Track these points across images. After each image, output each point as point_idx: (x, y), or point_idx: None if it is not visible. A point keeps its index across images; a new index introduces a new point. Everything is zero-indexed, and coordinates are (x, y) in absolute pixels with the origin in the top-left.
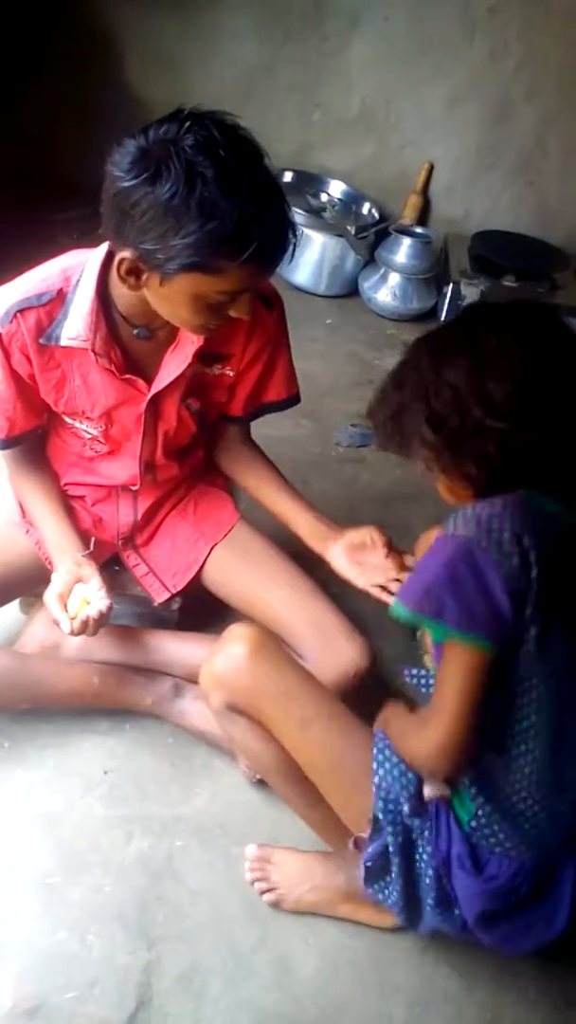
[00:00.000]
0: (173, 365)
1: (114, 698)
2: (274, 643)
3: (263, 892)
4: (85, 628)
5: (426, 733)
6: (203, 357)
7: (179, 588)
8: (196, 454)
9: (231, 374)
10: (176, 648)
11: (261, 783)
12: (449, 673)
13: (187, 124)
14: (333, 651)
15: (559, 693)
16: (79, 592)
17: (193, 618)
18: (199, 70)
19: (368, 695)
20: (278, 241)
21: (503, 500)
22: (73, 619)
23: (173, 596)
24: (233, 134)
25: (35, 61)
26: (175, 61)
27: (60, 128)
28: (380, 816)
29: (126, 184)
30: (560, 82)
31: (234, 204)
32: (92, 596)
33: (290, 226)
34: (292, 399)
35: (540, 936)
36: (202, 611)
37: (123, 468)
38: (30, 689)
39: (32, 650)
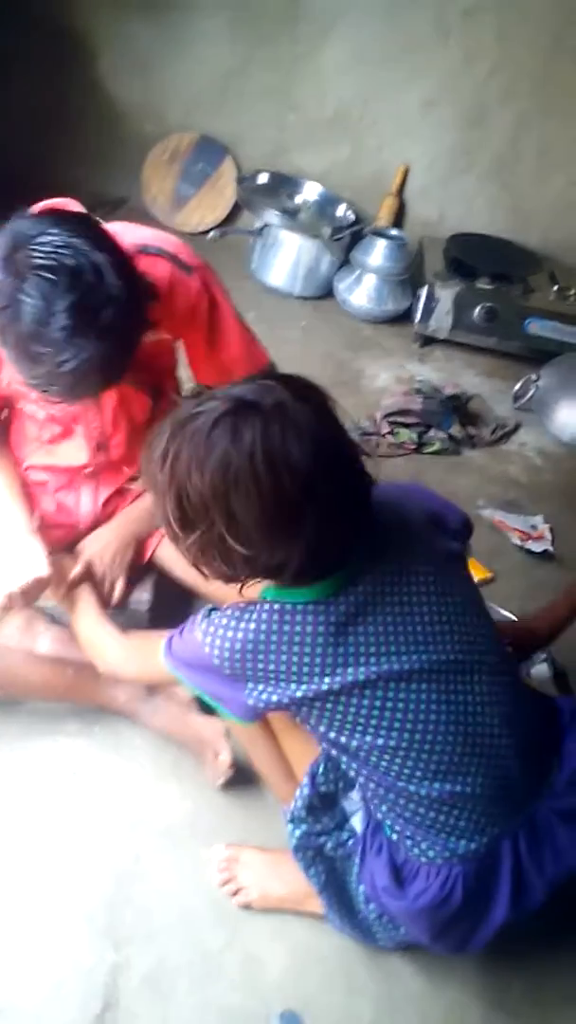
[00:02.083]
0: None
1: (87, 693)
2: None
3: (233, 894)
4: (11, 604)
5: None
6: None
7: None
8: None
9: (166, 337)
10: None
11: (229, 784)
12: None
13: (35, 266)
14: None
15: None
16: (12, 568)
17: (165, 616)
18: (173, 72)
19: None
20: (64, 396)
21: (254, 623)
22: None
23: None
24: (76, 273)
25: (4, 61)
26: (149, 63)
27: (31, 130)
28: (300, 852)
29: None
30: (534, 86)
31: (27, 355)
32: (32, 565)
33: (94, 386)
34: (264, 370)
35: (486, 930)
36: (174, 608)
37: (79, 449)
38: (3, 677)
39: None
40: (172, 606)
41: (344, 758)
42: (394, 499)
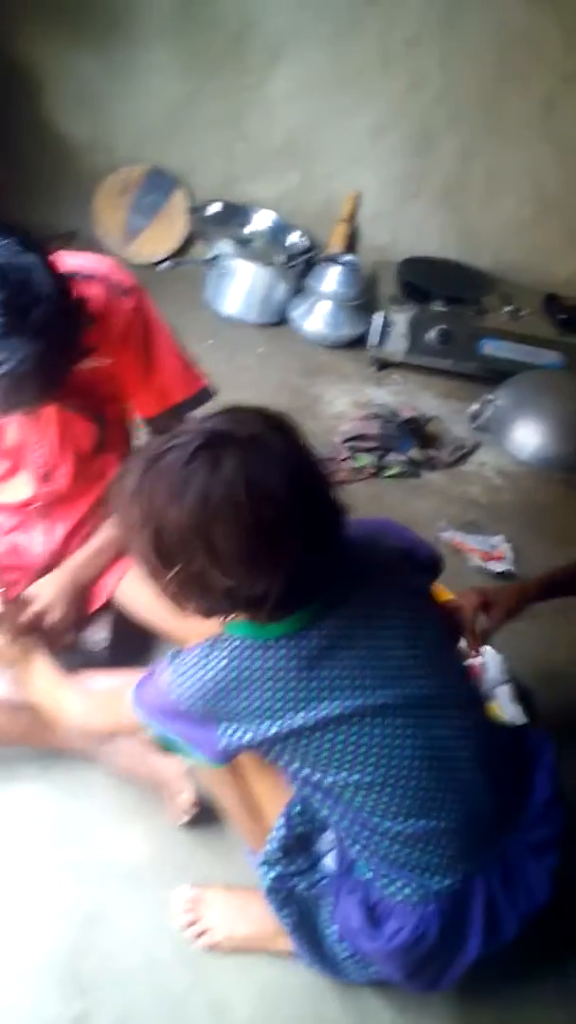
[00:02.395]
0: None
1: (44, 737)
2: None
3: (198, 935)
4: None
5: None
6: None
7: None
8: (104, 467)
9: (104, 363)
10: (106, 686)
11: (191, 824)
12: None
13: None
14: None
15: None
16: None
17: (123, 655)
18: (121, 105)
19: None
20: (5, 395)
21: (224, 660)
22: None
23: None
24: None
25: None
26: (96, 95)
27: None
28: (273, 894)
29: None
30: (479, 111)
31: None
32: None
33: (26, 402)
34: (201, 393)
35: (458, 967)
36: (132, 647)
37: (23, 484)
38: None
39: None
40: (131, 644)
41: (318, 796)
42: (367, 533)
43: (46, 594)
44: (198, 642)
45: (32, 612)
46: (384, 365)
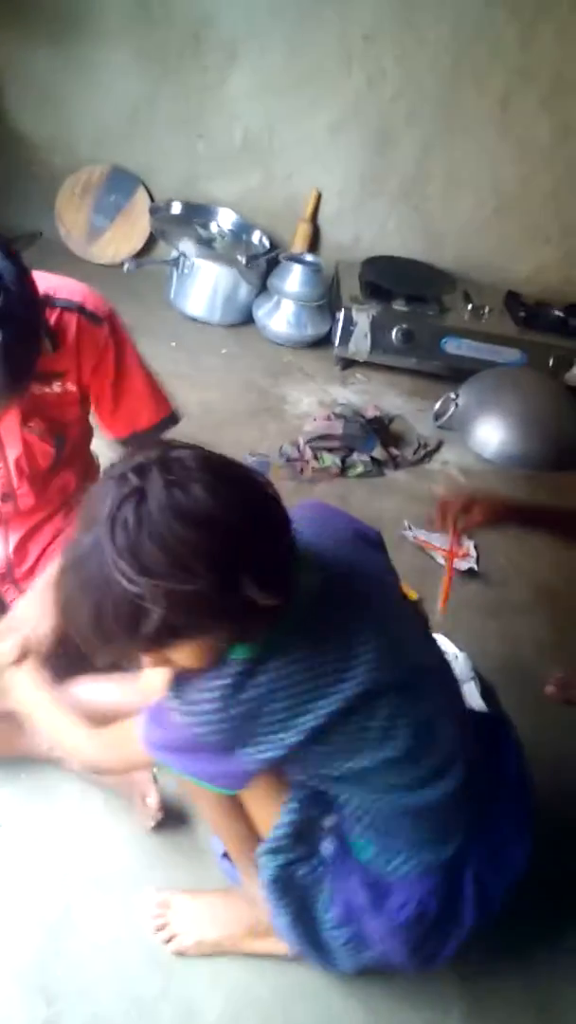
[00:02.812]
0: None
1: (8, 744)
2: None
3: (167, 940)
4: None
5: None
6: (36, 377)
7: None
8: (64, 482)
9: (74, 389)
10: (72, 693)
11: (159, 827)
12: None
13: None
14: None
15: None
16: None
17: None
18: (81, 104)
19: None
20: None
21: (233, 685)
22: None
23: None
24: None
25: None
26: (56, 95)
27: None
28: (273, 884)
29: None
30: (437, 107)
31: None
32: None
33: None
34: (168, 419)
35: (456, 938)
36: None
37: None
38: None
39: None
40: None
41: (327, 785)
42: (316, 518)
43: (29, 614)
44: (197, 675)
45: (19, 643)
46: (348, 364)
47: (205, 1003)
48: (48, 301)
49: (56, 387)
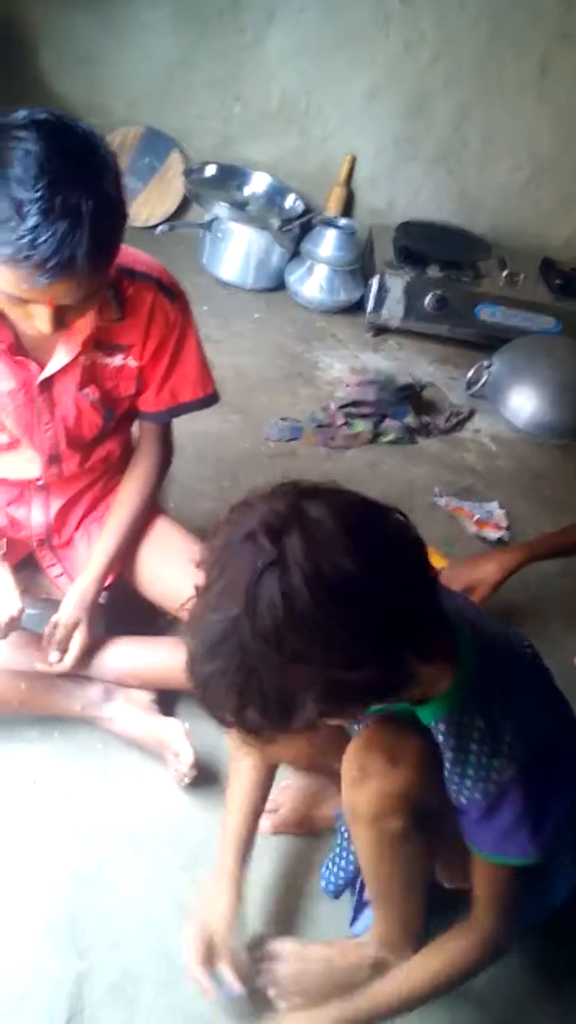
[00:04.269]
0: (64, 351)
1: (42, 704)
2: None
3: (278, 998)
4: None
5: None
6: (101, 346)
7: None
8: (108, 451)
9: (134, 365)
10: (103, 653)
11: (192, 785)
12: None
13: (37, 121)
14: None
15: None
16: None
17: (120, 621)
18: (116, 65)
19: None
20: (47, 260)
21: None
22: None
23: None
24: (75, 145)
25: None
26: (91, 56)
27: None
28: None
29: None
30: (476, 71)
31: (11, 208)
32: (4, 599)
33: (81, 256)
34: (208, 398)
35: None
36: (129, 613)
37: (27, 461)
38: None
39: None
40: (127, 611)
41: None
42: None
43: (75, 614)
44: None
45: (66, 633)
46: (380, 331)
47: None
48: (127, 272)
49: (118, 359)
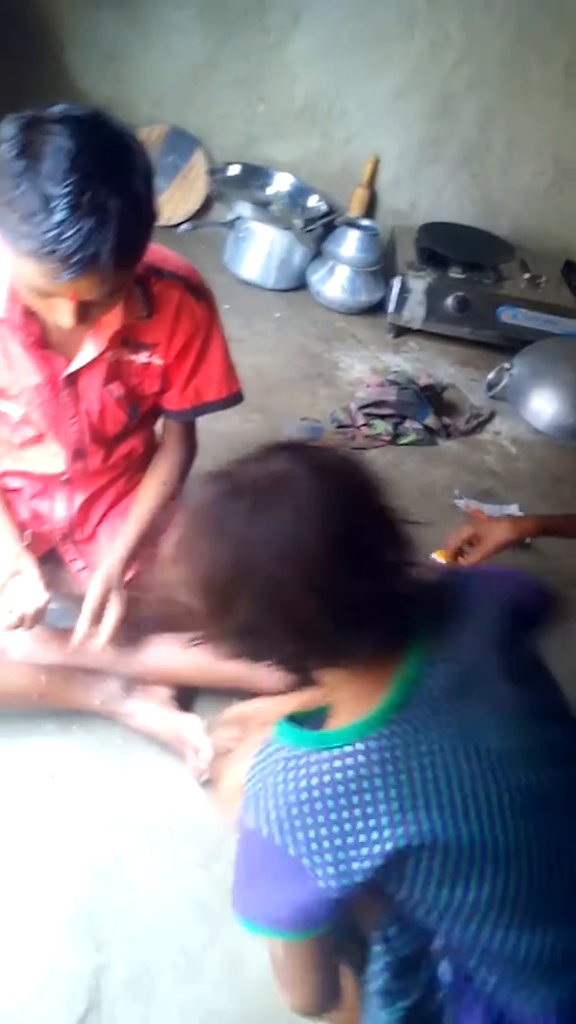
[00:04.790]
0: (91, 347)
1: (62, 698)
2: None
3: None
4: (21, 623)
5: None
6: (128, 344)
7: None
8: (131, 447)
9: (160, 363)
10: (124, 648)
11: (210, 783)
12: None
13: (72, 116)
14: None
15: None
16: (15, 586)
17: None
18: (142, 64)
19: None
20: (71, 255)
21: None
22: (10, 612)
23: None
24: (108, 142)
25: None
26: (117, 53)
27: None
28: None
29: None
30: (501, 74)
31: (39, 202)
32: (29, 590)
33: (106, 253)
34: (232, 397)
35: None
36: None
37: (52, 456)
38: None
39: None
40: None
41: (422, 913)
42: (467, 592)
43: (103, 586)
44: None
45: (99, 602)
46: (401, 332)
47: (251, 957)
48: (156, 271)
49: (144, 357)
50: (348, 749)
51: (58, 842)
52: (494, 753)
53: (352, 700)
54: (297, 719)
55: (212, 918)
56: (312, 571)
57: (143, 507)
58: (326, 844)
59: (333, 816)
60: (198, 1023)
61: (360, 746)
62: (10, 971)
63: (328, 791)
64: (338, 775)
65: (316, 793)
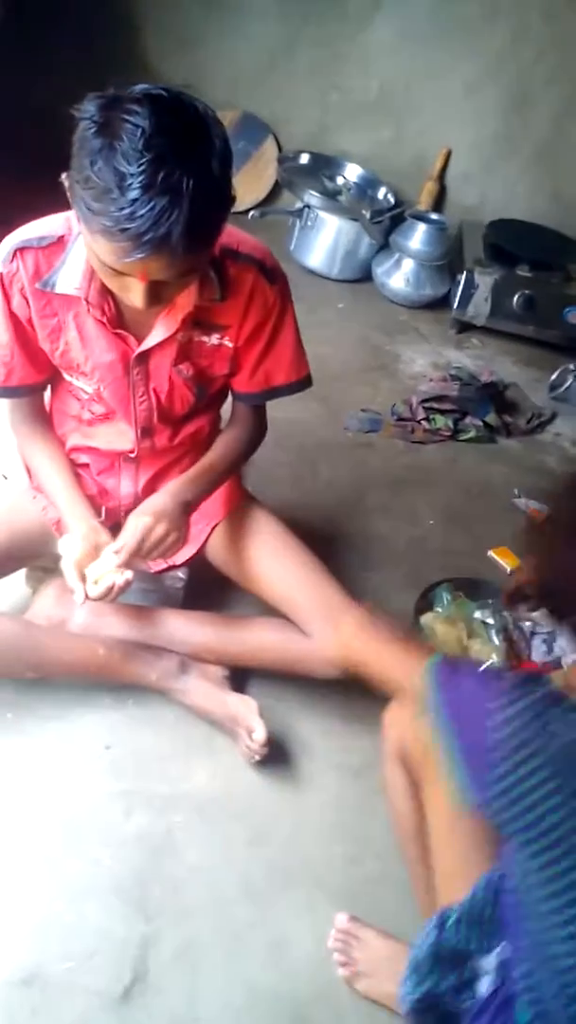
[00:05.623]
0: (163, 327)
1: (119, 672)
2: None
3: (341, 964)
4: (108, 594)
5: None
6: (200, 325)
7: (177, 564)
8: (197, 427)
9: (230, 345)
10: (181, 626)
11: (262, 763)
12: None
13: (151, 96)
14: (336, 629)
15: None
16: (100, 558)
17: (199, 596)
18: (217, 48)
19: None
20: (143, 234)
21: None
22: (96, 583)
23: (169, 569)
24: (186, 123)
25: (50, 36)
26: (193, 39)
27: (71, 104)
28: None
29: (81, 122)
30: None
31: (114, 180)
32: (115, 563)
33: (177, 234)
34: (302, 382)
35: None
36: (208, 589)
37: (120, 433)
38: (36, 658)
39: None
40: (205, 588)
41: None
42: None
43: (154, 511)
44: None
45: (145, 528)
46: (464, 328)
47: (296, 939)
48: (231, 253)
49: (215, 339)
50: None
51: (110, 811)
52: None
53: None
54: None
55: (259, 898)
56: None
57: (210, 456)
58: None
59: None
60: (243, 999)
61: None
62: (60, 938)
63: None
64: None
65: None
